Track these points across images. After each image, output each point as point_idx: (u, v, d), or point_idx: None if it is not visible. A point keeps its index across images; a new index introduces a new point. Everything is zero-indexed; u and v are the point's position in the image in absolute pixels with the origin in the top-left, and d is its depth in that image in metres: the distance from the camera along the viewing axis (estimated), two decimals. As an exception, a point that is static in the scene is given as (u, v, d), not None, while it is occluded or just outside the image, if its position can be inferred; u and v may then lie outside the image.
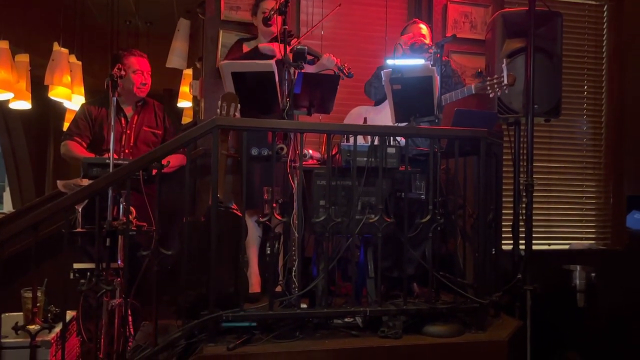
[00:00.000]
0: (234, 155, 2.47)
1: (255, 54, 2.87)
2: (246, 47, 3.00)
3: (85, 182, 2.26)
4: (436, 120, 2.47)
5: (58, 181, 2.56)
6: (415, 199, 2.56)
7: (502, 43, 2.98)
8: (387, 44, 3.55)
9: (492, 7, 3.72)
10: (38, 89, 4.24)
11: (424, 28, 3.12)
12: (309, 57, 2.65)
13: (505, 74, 2.64)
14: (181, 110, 5.35)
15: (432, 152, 2.32)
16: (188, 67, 4.64)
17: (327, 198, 2.21)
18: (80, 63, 4.41)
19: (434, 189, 2.30)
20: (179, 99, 5.12)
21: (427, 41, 3.04)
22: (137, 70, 2.92)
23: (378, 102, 3.13)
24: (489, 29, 3.19)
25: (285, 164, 2.33)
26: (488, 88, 2.70)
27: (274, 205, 2.19)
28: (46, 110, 6.20)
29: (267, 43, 2.95)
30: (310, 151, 2.54)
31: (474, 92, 2.77)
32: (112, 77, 2.27)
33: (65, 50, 4.06)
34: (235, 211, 2.25)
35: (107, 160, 2.23)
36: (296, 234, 2.25)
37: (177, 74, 5.03)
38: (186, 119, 5.25)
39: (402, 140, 2.40)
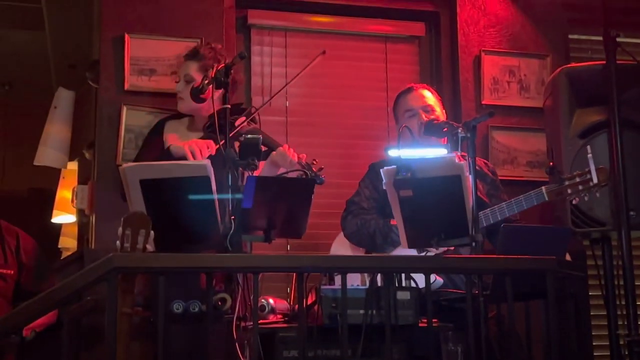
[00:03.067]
0: (143, 314, 2.45)
1: (169, 156, 2.95)
2: (172, 134, 3.12)
3: None
4: (473, 244, 2.52)
5: None
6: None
7: (571, 115, 3.11)
8: (388, 117, 3.73)
9: (551, 58, 3.94)
10: None
11: (428, 96, 3.30)
12: (262, 149, 2.74)
13: (592, 168, 2.75)
14: (57, 227, 5.35)
15: (469, 297, 2.35)
16: (71, 159, 4.67)
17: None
18: None
19: (476, 355, 2.30)
20: (54, 210, 5.13)
21: (438, 112, 3.21)
22: None
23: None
24: (549, 93, 3.33)
25: (229, 325, 2.32)
26: (569, 191, 2.80)
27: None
28: None
29: (182, 142, 2.99)
30: (271, 301, 2.55)
31: (546, 198, 2.87)
32: None
33: None
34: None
35: None
36: None
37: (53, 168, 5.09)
38: (67, 242, 5.25)
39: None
